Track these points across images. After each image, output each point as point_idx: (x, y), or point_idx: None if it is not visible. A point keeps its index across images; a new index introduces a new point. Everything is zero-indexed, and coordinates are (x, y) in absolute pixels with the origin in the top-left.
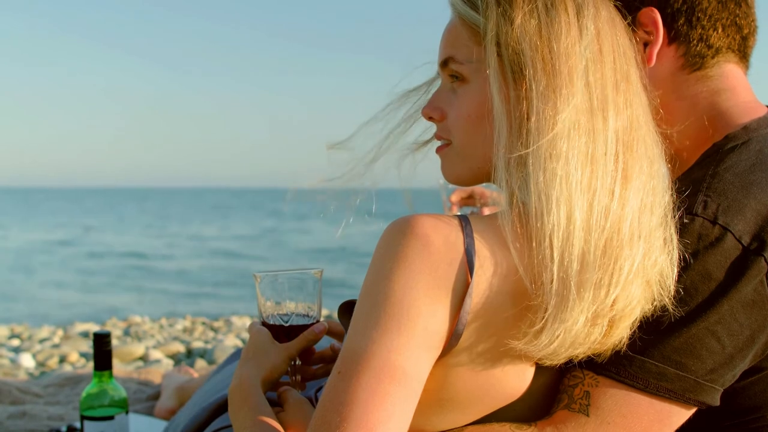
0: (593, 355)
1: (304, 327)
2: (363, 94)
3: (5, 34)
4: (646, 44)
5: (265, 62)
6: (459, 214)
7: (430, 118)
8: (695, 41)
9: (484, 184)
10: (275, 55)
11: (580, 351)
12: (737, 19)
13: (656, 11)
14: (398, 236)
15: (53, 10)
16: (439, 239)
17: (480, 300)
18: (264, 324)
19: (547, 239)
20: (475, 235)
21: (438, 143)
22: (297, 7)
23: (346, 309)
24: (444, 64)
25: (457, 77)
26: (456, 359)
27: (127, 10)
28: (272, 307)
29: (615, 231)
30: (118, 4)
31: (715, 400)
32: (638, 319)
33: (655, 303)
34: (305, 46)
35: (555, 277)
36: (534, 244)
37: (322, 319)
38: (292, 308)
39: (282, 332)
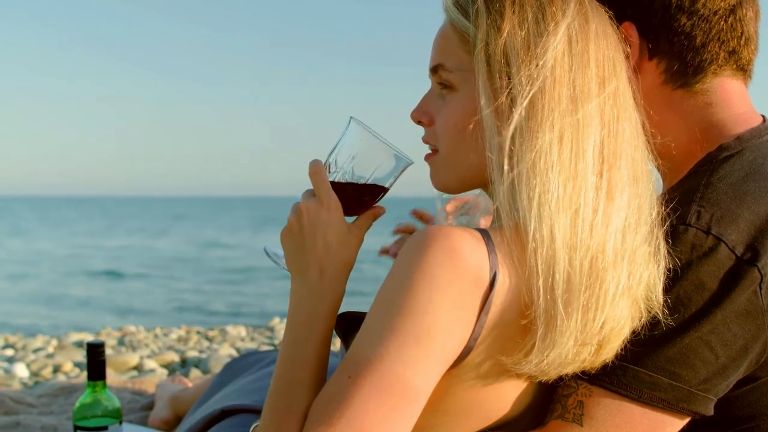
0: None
1: (376, 195)
2: (366, 103)
3: (8, 43)
4: (627, 56)
5: (267, 71)
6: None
7: (419, 122)
8: (674, 58)
9: (476, 191)
10: (277, 64)
11: (570, 369)
12: (720, 34)
13: (633, 28)
14: (425, 248)
15: (56, 19)
16: (469, 254)
17: (494, 317)
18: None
19: (533, 257)
20: (496, 250)
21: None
22: (300, 16)
23: (342, 321)
24: (434, 70)
25: (446, 85)
26: (460, 373)
27: (129, 19)
28: (348, 164)
29: (599, 251)
30: (120, 13)
31: (709, 410)
32: (628, 337)
33: (642, 318)
34: (308, 55)
35: (542, 296)
36: (524, 261)
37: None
38: (367, 176)
39: (355, 196)
